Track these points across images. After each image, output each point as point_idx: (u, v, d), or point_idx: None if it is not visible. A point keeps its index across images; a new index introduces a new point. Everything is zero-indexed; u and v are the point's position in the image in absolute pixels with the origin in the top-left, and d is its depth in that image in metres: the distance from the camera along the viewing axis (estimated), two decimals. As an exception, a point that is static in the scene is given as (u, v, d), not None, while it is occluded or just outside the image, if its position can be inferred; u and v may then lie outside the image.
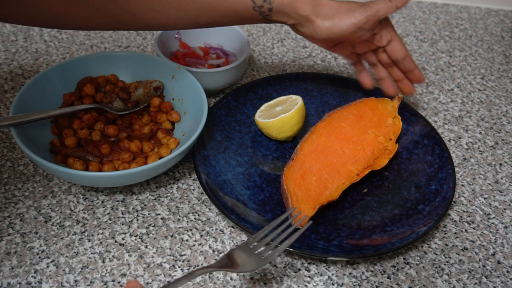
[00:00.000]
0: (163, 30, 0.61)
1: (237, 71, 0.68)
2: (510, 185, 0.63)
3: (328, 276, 0.51)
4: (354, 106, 0.62)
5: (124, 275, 0.49)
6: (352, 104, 0.63)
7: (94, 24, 0.50)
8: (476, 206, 0.60)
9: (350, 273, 0.51)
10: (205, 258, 0.51)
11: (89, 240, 0.52)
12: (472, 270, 0.52)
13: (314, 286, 0.50)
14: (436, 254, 0.54)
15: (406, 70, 0.62)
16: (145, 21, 0.51)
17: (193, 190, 0.58)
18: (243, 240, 0.53)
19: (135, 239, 0.52)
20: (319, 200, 0.52)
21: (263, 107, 0.64)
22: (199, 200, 0.57)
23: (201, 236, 0.53)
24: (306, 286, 0.50)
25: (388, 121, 0.61)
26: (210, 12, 0.51)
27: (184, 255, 0.51)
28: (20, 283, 0.47)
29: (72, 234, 0.52)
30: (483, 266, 0.53)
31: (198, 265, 0.50)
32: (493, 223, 0.58)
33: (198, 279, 0.49)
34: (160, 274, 0.49)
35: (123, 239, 0.52)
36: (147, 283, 0.48)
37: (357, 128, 0.59)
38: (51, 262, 0.49)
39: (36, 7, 0.45)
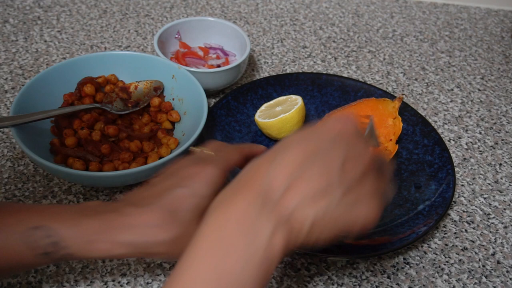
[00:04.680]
0: None
1: (237, 71, 0.68)
2: (510, 185, 0.63)
3: (328, 276, 0.51)
4: (354, 107, 0.62)
5: (124, 275, 0.49)
6: (353, 104, 0.63)
7: None
8: (476, 206, 0.60)
9: (350, 273, 0.51)
10: (205, 258, 0.51)
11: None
12: (472, 270, 0.52)
13: (314, 286, 0.50)
14: (436, 254, 0.54)
15: None
16: None
17: (193, 190, 0.58)
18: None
19: (135, 239, 0.52)
20: None
21: (263, 107, 0.64)
22: (199, 200, 0.57)
23: (201, 236, 0.53)
24: (306, 286, 0.50)
25: (388, 122, 0.61)
26: None
27: (184, 255, 0.51)
28: (20, 283, 0.47)
29: (72, 234, 0.52)
30: (483, 266, 0.53)
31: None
32: (493, 223, 0.58)
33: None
34: (160, 274, 0.49)
35: (123, 239, 0.52)
36: (147, 283, 0.48)
37: None
38: (51, 262, 0.49)
39: None
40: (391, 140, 0.60)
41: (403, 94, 0.65)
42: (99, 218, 0.38)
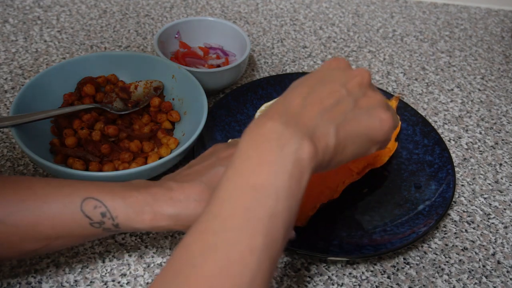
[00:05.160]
0: None
1: (237, 71, 0.68)
2: (510, 185, 0.63)
3: (328, 276, 0.51)
4: None
5: (124, 275, 0.49)
6: None
7: None
8: (476, 206, 0.60)
9: (350, 273, 0.51)
10: (205, 258, 0.51)
11: (89, 240, 0.52)
12: (472, 270, 0.52)
13: (314, 286, 0.50)
14: (436, 254, 0.54)
15: None
16: None
17: (193, 190, 0.58)
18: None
19: (135, 239, 0.52)
20: (320, 198, 0.52)
21: (263, 107, 0.64)
22: (199, 200, 0.57)
23: (201, 236, 0.53)
24: (306, 286, 0.50)
25: None
26: (33, 235, 0.40)
27: (184, 255, 0.51)
28: (20, 283, 0.47)
29: (72, 234, 0.52)
30: (483, 266, 0.53)
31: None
32: (493, 223, 0.58)
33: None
34: (160, 274, 0.49)
35: (123, 239, 0.52)
36: (147, 283, 0.48)
37: None
38: (51, 262, 0.49)
39: None
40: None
41: (399, 94, 0.65)
42: (144, 191, 0.41)
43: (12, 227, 0.39)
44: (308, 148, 0.34)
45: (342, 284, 0.50)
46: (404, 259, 0.53)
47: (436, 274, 0.52)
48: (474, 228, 0.57)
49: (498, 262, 0.54)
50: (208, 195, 0.41)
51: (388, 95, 0.68)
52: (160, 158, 0.57)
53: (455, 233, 0.56)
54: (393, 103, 0.63)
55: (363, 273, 0.51)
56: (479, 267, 0.53)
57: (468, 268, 0.53)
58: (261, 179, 0.32)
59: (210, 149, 0.48)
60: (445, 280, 0.51)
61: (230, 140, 0.56)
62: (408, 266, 0.52)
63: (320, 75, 0.40)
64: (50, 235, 0.40)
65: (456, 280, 0.51)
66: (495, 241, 0.56)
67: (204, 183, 0.42)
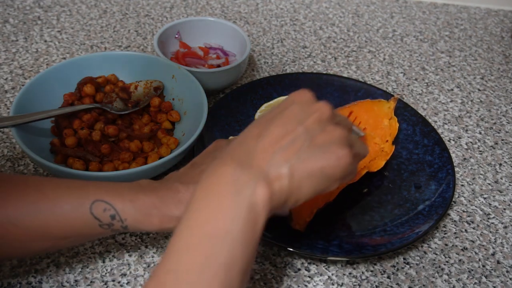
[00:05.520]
0: None
1: (237, 71, 0.68)
2: (509, 185, 0.63)
3: (328, 276, 0.51)
4: (348, 109, 0.62)
5: (124, 275, 0.49)
6: (346, 106, 0.63)
7: None
8: (476, 206, 0.60)
9: (350, 273, 0.51)
10: (205, 258, 0.51)
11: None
12: (472, 270, 0.53)
13: (314, 286, 0.50)
14: (436, 254, 0.54)
15: None
16: None
17: (193, 190, 0.58)
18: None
19: (135, 239, 0.52)
20: (316, 203, 0.53)
21: (263, 107, 0.64)
22: (199, 200, 0.57)
23: (201, 236, 0.53)
24: (306, 286, 0.50)
25: (384, 123, 0.61)
26: (42, 236, 0.40)
27: (184, 255, 0.51)
28: (20, 283, 0.47)
29: (72, 234, 0.52)
30: (483, 266, 0.53)
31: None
32: (492, 223, 0.58)
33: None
34: (160, 274, 0.49)
35: (123, 239, 0.52)
36: (147, 283, 0.48)
37: None
38: (51, 262, 0.49)
39: None
40: (387, 141, 0.60)
41: (398, 94, 0.65)
42: (152, 194, 0.41)
43: (23, 229, 0.39)
44: (262, 192, 0.33)
45: (342, 284, 0.50)
46: (404, 259, 0.53)
47: (436, 274, 0.52)
48: (474, 228, 0.57)
49: (498, 262, 0.54)
50: None
51: (389, 95, 0.68)
52: (160, 158, 0.57)
53: (455, 233, 0.56)
54: (392, 104, 0.63)
55: (363, 273, 0.51)
56: (479, 267, 0.53)
57: (468, 268, 0.53)
58: (218, 224, 0.32)
59: (212, 145, 0.48)
60: (445, 280, 0.51)
61: (231, 137, 0.56)
62: (408, 266, 0.52)
63: (279, 111, 0.38)
64: (58, 235, 0.41)
65: (456, 280, 0.51)
66: (495, 241, 0.56)
67: None
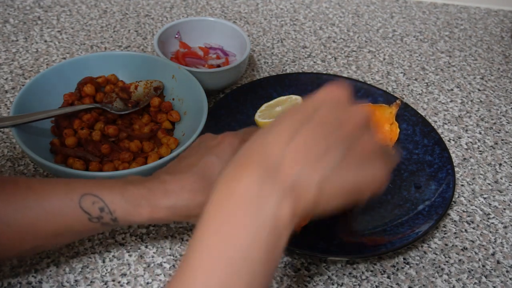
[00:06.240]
0: None
1: (237, 71, 0.68)
2: (509, 185, 0.63)
3: (328, 276, 0.51)
4: None
5: (124, 275, 0.49)
6: None
7: None
8: (476, 206, 0.60)
9: (350, 273, 0.51)
10: (205, 258, 0.51)
11: (89, 240, 0.52)
12: (472, 270, 0.53)
13: (314, 286, 0.50)
14: (436, 254, 0.54)
15: None
16: None
17: (193, 190, 0.58)
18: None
19: (135, 239, 0.52)
20: None
21: (263, 107, 0.64)
22: (199, 200, 0.57)
23: (201, 236, 0.53)
24: (306, 286, 0.50)
25: (385, 128, 0.61)
26: (33, 234, 0.40)
27: (184, 255, 0.51)
28: (20, 283, 0.47)
29: (72, 234, 0.52)
30: (483, 266, 0.53)
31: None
32: (492, 223, 0.58)
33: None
34: (160, 274, 0.49)
35: (123, 238, 0.52)
36: (147, 283, 0.48)
37: None
38: (52, 261, 0.49)
39: None
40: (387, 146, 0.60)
41: (400, 100, 0.65)
42: (140, 185, 0.42)
43: (14, 226, 0.39)
44: (287, 208, 0.30)
45: (342, 284, 0.50)
46: (404, 259, 0.53)
47: (436, 274, 0.52)
48: (473, 228, 0.57)
49: (498, 262, 0.54)
50: (200, 185, 0.42)
51: (389, 95, 0.68)
52: (160, 158, 0.57)
53: (454, 233, 0.56)
54: (393, 109, 0.63)
55: (363, 273, 0.51)
56: (479, 267, 0.53)
57: (467, 268, 0.53)
58: (237, 243, 0.30)
59: (197, 140, 0.49)
60: (444, 280, 0.51)
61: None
62: (408, 266, 0.52)
63: (310, 110, 0.34)
64: (49, 232, 0.40)
65: (456, 280, 0.51)
66: (495, 241, 0.56)
67: (196, 173, 0.42)
